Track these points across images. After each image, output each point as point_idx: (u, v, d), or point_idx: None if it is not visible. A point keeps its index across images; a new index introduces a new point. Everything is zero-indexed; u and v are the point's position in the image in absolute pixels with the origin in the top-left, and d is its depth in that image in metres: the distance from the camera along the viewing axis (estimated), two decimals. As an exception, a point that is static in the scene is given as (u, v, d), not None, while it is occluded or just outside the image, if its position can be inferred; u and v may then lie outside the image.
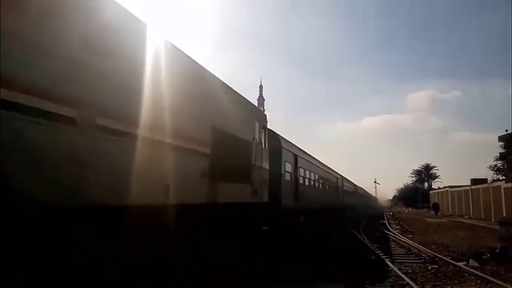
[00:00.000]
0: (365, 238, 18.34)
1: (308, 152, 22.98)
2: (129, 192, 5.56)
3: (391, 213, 52.28)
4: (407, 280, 9.21)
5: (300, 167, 18.69)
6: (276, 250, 11.37)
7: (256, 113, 13.06)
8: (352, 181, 48.30)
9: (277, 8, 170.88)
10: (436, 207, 50.38)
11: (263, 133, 12.76)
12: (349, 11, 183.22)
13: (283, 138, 16.72)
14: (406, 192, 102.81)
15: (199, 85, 8.39)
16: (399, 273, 10.08)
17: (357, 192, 52.46)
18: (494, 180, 44.33)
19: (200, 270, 6.98)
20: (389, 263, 11.63)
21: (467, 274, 10.17)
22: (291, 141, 18.35)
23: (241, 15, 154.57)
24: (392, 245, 17.00)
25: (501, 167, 52.86)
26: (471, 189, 43.01)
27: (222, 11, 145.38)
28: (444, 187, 63.39)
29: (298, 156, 18.62)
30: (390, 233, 22.13)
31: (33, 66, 4.18)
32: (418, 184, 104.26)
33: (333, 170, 31.76)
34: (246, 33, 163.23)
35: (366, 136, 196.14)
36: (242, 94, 11.49)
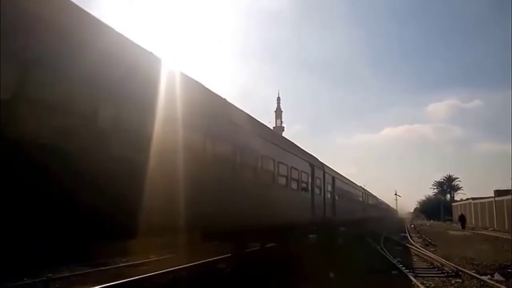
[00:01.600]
0: (386, 251, 18.19)
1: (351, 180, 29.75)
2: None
3: (412, 226, 51.43)
4: (430, 294, 9.20)
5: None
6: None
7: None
8: (375, 194, 48.54)
9: (293, 21, 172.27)
10: (463, 220, 45.99)
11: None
12: (367, 21, 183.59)
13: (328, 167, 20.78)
14: (428, 204, 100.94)
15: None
16: (422, 287, 10.04)
17: (378, 206, 52.44)
18: (518, 191, 43.33)
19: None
20: (411, 277, 11.59)
21: (491, 289, 10.08)
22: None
23: (258, 29, 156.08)
24: (414, 259, 16.83)
25: (525, 178, 51.67)
26: (495, 201, 42.18)
27: (239, 27, 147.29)
28: (467, 198, 62.22)
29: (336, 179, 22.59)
30: (412, 247, 21.85)
31: None
32: (440, 196, 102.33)
33: (363, 189, 37.13)
34: (263, 46, 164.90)
35: (386, 147, 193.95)
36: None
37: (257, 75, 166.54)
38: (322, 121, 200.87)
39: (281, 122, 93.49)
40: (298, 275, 10.52)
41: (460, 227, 43.32)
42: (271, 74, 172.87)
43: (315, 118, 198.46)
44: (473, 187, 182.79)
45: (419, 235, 33.55)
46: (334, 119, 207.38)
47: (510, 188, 46.85)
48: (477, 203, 49.95)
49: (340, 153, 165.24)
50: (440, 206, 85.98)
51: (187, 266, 12.17)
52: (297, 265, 11.66)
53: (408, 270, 12.87)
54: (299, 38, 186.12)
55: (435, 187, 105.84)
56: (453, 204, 75.61)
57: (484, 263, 14.53)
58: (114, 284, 9.23)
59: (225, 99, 9.35)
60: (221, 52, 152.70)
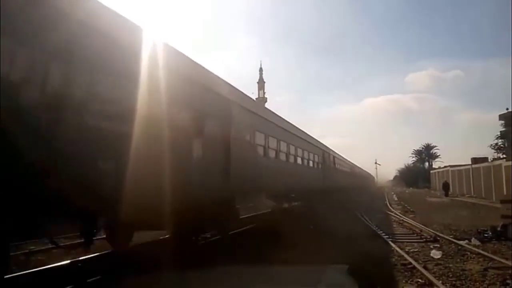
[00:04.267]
0: (366, 218, 18.37)
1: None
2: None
3: (392, 194, 52.52)
4: (409, 259, 9.23)
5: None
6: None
7: None
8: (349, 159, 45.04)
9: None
10: (446, 187, 44.94)
11: None
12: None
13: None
14: (407, 172, 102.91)
15: None
16: (401, 252, 10.10)
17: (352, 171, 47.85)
18: (494, 159, 44.22)
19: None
20: (390, 242, 11.67)
21: (469, 253, 10.21)
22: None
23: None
24: (394, 225, 17.04)
25: (501, 145, 52.83)
26: (472, 168, 42.96)
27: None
28: (445, 166, 63.40)
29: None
30: (392, 214, 22.19)
31: None
32: (418, 164, 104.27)
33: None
34: (245, 14, 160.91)
35: (367, 117, 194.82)
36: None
37: (240, 45, 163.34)
38: (305, 92, 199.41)
39: (264, 93, 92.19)
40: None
41: (443, 194, 43.89)
42: (254, 44, 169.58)
43: (298, 89, 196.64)
44: (451, 155, 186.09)
45: (398, 202, 34.19)
46: (317, 89, 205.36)
47: (486, 156, 47.91)
48: (455, 171, 50.88)
49: (324, 124, 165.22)
50: (418, 174, 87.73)
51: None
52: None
53: (387, 236, 13.01)
54: (282, 7, 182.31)
55: (414, 156, 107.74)
56: (431, 171, 77.08)
57: (462, 229, 14.81)
58: (97, 255, 8.91)
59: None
60: (203, 21, 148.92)
